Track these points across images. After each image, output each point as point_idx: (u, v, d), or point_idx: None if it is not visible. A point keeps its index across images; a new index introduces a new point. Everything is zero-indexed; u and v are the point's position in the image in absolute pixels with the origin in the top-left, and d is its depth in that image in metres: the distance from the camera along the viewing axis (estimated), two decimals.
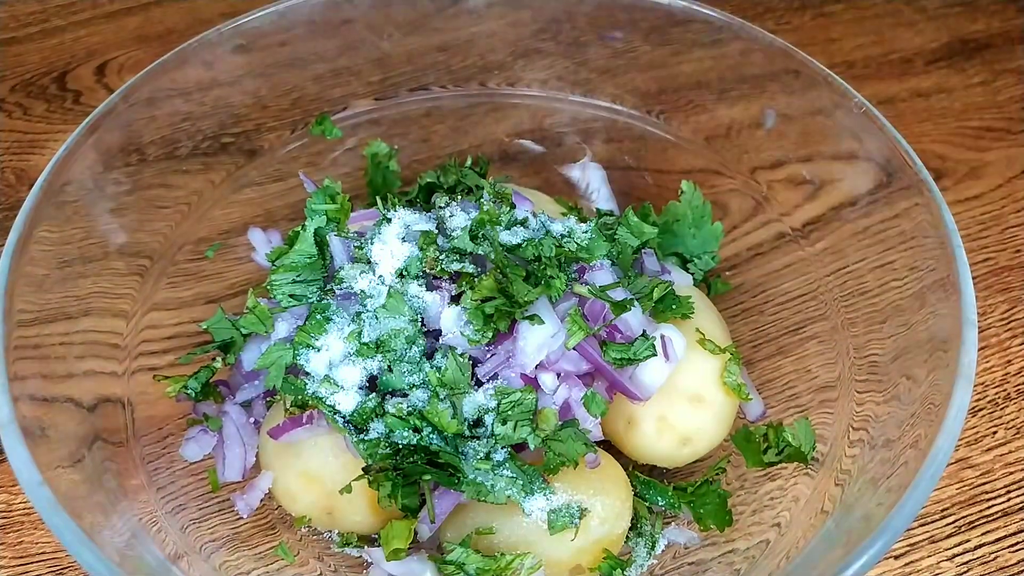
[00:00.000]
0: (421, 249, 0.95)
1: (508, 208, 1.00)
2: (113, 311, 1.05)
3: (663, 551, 1.00)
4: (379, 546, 0.93)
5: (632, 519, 0.98)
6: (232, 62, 1.16)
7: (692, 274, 1.15)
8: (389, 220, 0.99)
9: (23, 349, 0.89)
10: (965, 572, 1.03)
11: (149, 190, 1.12)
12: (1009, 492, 1.09)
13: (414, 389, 0.91)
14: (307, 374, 0.94)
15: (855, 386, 1.01)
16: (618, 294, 0.96)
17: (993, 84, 1.54)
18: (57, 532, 0.77)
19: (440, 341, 0.93)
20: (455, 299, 0.93)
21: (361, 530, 0.99)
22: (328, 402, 0.92)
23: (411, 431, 0.90)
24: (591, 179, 1.24)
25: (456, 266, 0.94)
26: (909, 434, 0.87)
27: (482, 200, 1.01)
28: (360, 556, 0.99)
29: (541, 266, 0.95)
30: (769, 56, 1.14)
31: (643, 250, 1.09)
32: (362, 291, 0.94)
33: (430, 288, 0.94)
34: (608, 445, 1.03)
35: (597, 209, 1.20)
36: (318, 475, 0.95)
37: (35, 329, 0.93)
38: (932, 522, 1.07)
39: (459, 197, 1.02)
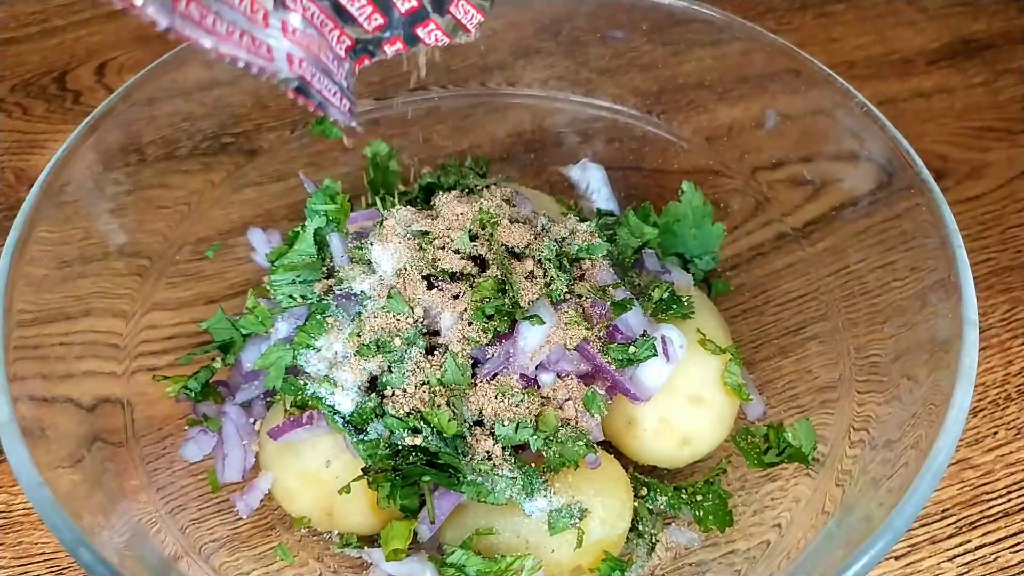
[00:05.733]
0: (421, 249, 0.95)
1: (508, 208, 1.00)
2: (113, 311, 1.04)
3: (663, 552, 0.99)
4: (379, 547, 0.93)
5: (632, 520, 0.98)
6: None
7: (693, 274, 1.15)
8: (389, 220, 0.99)
9: (23, 349, 0.89)
10: (966, 572, 1.03)
11: (149, 190, 1.12)
12: (1010, 493, 1.09)
13: (414, 390, 0.91)
14: (307, 374, 0.94)
15: (856, 386, 1.01)
16: (618, 294, 0.96)
17: (994, 84, 1.54)
18: (57, 532, 0.77)
19: (440, 341, 0.93)
20: (455, 299, 0.93)
21: (361, 531, 0.99)
22: (328, 402, 0.91)
23: (411, 432, 0.90)
24: (591, 179, 1.24)
25: (456, 266, 0.93)
26: (910, 434, 0.87)
27: (482, 200, 1.01)
28: (360, 557, 0.99)
29: (541, 266, 0.95)
30: (770, 56, 1.14)
31: (644, 250, 1.09)
32: (362, 292, 0.94)
33: (430, 288, 0.94)
34: (608, 445, 1.03)
35: (597, 209, 1.20)
36: (318, 475, 0.95)
37: (35, 329, 0.93)
38: (933, 523, 1.06)
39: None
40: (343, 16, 0.76)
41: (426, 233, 0.97)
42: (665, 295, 1.01)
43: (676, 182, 1.17)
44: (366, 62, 0.80)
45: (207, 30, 0.66)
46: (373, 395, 0.92)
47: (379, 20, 0.77)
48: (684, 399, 0.99)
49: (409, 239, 0.96)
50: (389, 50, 0.80)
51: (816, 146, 1.14)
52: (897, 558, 1.04)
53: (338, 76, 0.75)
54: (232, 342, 1.05)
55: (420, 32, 0.80)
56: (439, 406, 0.89)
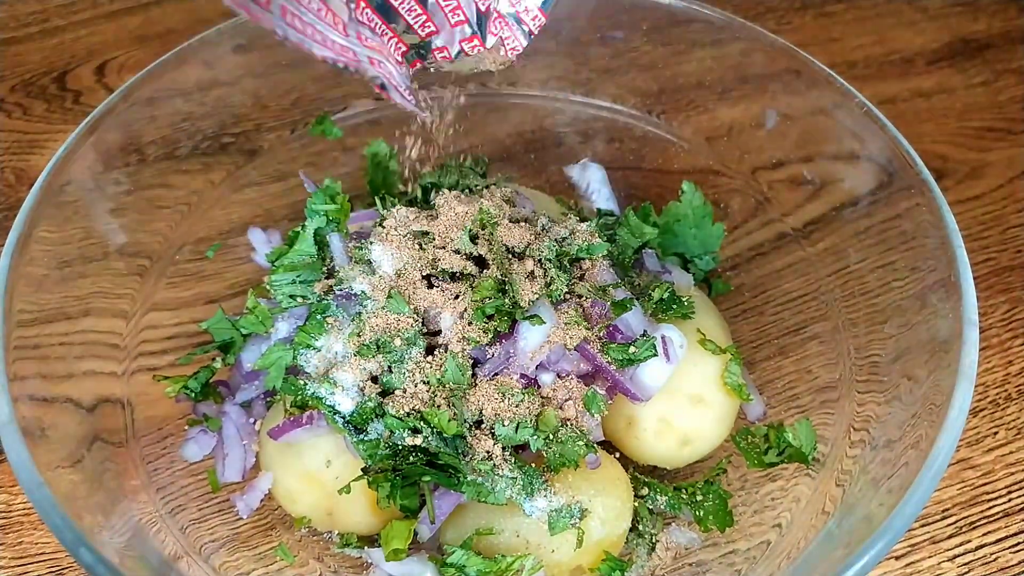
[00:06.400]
0: (421, 249, 0.95)
1: (508, 208, 1.00)
2: (113, 311, 1.05)
3: (663, 552, 0.99)
4: (379, 547, 0.93)
5: (632, 520, 0.98)
6: (232, 62, 1.16)
7: (693, 274, 1.15)
8: (389, 220, 0.99)
9: (23, 349, 0.89)
10: (966, 573, 1.03)
11: (149, 190, 1.12)
12: (1010, 493, 1.09)
13: (414, 389, 0.91)
14: (307, 374, 0.94)
15: (856, 386, 1.01)
16: (618, 294, 0.96)
17: (994, 84, 1.54)
18: (57, 532, 0.77)
19: (440, 341, 0.93)
20: (455, 299, 0.93)
21: (361, 531, 0.99)
22: (328, 402, 0.91)
23: (411, 432, 0.90)
24: (591, 179, 1.24)
25: (456, 266, 0.93)
26: (910, 435, 0.87)
27: (482, 200, 1.01)
28: (360, 557, 0.99)
29: (541, 266, 0.95)
30: (770, 56, 1.14)
31: (644, 250, 1.09)
32: (362, 291, 0.94)
33: (430, 288, 0.94)
34: (608, 445, 1.03)
35: (597, 209, 1.20)
36: (318, 475, 0.95)
37: (35, 329, 0.93)
38: (933, 523, 1.06)
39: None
40: (397, 21, 0.86)
41: (426, 233, 0.97)
42: (665, 295, 1.01)
43: (676, 182, 1.17)
44: (418, 65, 0.90)
45: (310, 39, 0.78)
46: (373, 395, 0.92)
47: (431, 27, 0.87)
48: (684, 399, 0.99)
49: (409, 239, 0.96)
50: (439, 56, 0.91)
51: (816, 146, 1.14)
52: (897, 558, 1.04)
53: (402, 75, 0.86)
54: (232, 342, 1.05)
55: (465, 46, 0.90)
56: (439, 406, 0.89)
